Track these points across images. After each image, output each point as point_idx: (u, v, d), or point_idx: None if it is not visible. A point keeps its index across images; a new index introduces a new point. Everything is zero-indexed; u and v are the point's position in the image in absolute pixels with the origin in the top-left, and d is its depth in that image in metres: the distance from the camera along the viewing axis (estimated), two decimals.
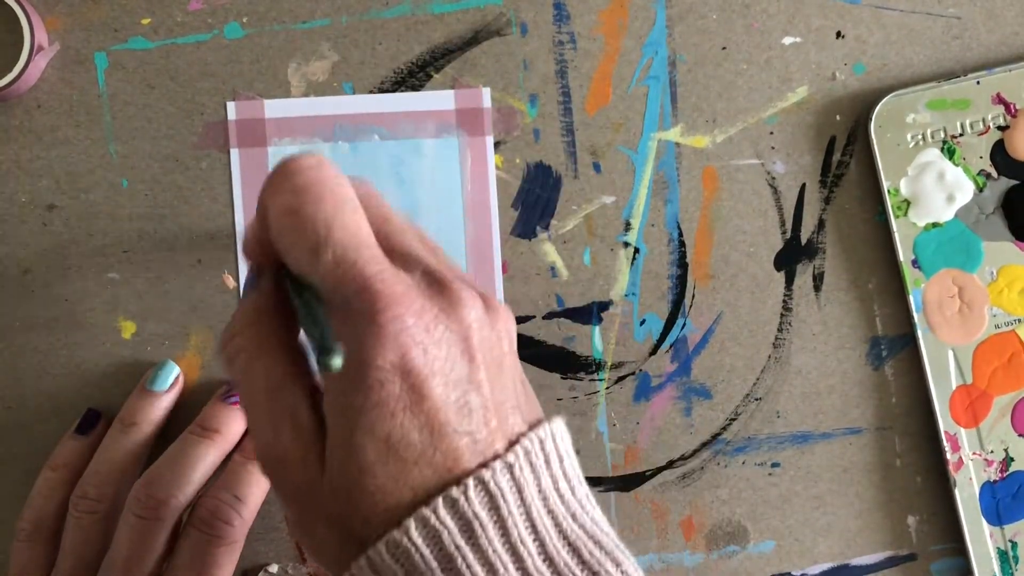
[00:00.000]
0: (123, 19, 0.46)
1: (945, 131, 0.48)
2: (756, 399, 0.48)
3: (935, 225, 0.48)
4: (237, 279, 0.47)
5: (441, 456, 0.31)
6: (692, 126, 0.48)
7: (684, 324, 0.48)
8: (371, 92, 0.47)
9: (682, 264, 0.48)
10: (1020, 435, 0.48)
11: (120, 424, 0.45)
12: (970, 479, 0.48)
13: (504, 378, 0.33)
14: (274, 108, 0.46)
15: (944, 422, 0.48)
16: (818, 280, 0.48)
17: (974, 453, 0.48)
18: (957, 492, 0.48)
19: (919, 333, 0.48)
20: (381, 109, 0.47)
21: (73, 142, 0.46)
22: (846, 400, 0.49)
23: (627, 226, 0.48)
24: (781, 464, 0.49)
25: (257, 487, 0.44)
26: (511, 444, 0.32)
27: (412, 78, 0.47)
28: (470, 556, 0.30)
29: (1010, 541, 0.48)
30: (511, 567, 0.31)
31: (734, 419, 0.48)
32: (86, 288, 0.46)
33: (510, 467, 0.31)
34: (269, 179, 0.32)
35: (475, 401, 0.32)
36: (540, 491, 0.32)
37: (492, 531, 0.31)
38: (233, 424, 0.45)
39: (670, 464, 0.48)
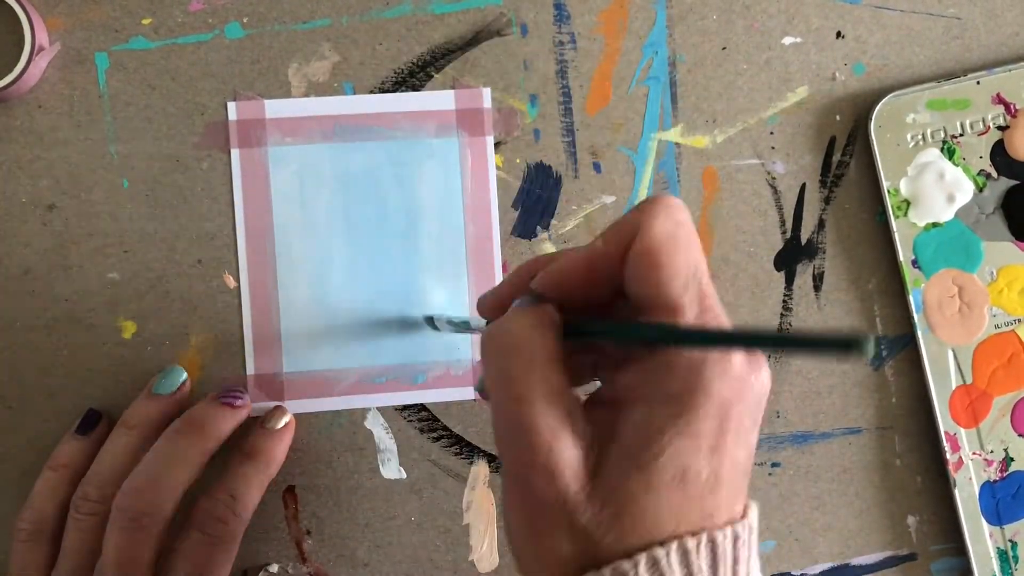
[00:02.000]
0: (124, 19, 0.46)
1: (945, 131, 0.48)
2: None
3: (935, 225, 0.48)
4: (237, 279, 0.47)
5: (711, 503, 0.33)
6: (692, 126, 0.48)
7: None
8: (371, 92, 0.47)
9: None
10: (1020, 435, 0.48)
11: (124, 427, 0.45)
12: (970, 479, 0.48)
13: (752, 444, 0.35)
14: (275, 108, 0.47)
15: (944, 422, 0.48)
16: (818, 280, 0.48)
17: (974, 453, 0.48)
18: (957, 492, 0.48)
19: (919, 333, 0.48)
20: (381, 109, 0.47)
21: (74, 142, 0.46)
22: (846, 400, 0.49)
23: None
24: (781, 464, 0.49)
25: (256, 487, 0.45)
26: (744, 512, 0.35)
27: (412, 78, 0.47)
28: None
29: (1010, 541, 0.48)
30: None
31: None
32: (87, 288, 0.46)
33: (736, 537, 0.34)
34: (647, 204, 0.33)
35: (744, 463, 0.34)
36: (737, 565, 0.34)
37: None
38: (221, 423, 0.45)
39: None
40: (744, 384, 0.33)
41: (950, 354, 0.48)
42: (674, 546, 0.32)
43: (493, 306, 0.37)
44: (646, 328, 0.34)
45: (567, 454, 0.33)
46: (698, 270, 0.33)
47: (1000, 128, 0.48)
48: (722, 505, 0.33)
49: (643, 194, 0.48)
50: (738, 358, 0.33)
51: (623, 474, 0.32)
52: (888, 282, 0.48)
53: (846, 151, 0.48)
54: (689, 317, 0.33)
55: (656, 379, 0.33)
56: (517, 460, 0.33)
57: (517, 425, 0.33)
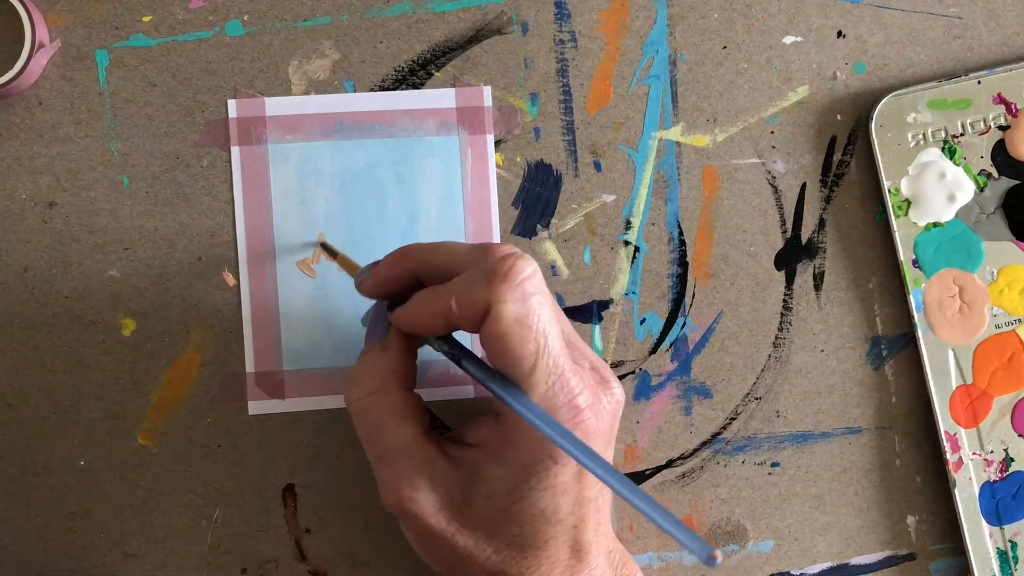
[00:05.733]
0: (124, 16, 0.46)
1: (946, 131, 0.48)
2: (756, 398, 0.48)
3: (936, 225, 0.48)
4: (237, 276, 0.47)
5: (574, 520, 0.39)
6: (693, 125, 0.48)
7: (684, 323, 0.48)
8: (372, 90, 0.47)
9: (682, 263, 0.48)
10: (1020, 435, 0.48)
11: None
12: (970, 479, 0.48)
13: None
14: (275, 106, 0.47)
15: (944, 422, 0.48)
16: (818, 280, 0.48)
17: (974, 453, 0.48)
18: (957, 492, 0.48)
19: (919, 333, 0.48)
20: (382, 107, 0.47)
21: (74, 139, 0.46)
22: (846, 400, 0.49)
23: (627, 225, 0.48)
24: (781, 463, 0.49)
25: None
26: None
27: (413, 76, 0.47)
28: None
29: (1010, 541, 0.48)
30: None
31: (734, 418, 0.48)
32: (86, 285, 0.46)
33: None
34: (498, 280, 0.36)
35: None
36: None
37: None
38: None
39: (670, 463, 0.48)
40: (593, 428, 0.37)
41: (950, 354, 0.48)
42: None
43: (371, 291, 0.41)
44: (495, 390, 0.37)
45: (425, 501, 0.38)
46: (547, 348, 0.36)
47: (1001, 128, 0.48)
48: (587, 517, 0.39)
49: (643, 193, 0.48)
50: (585, 409, 0.37)
51: (490, 512, 0.38)
52: (888, 282, 0.48)
53: (847, 150, 0.48)
54: (539, 392, 0.36)
55: (511, 442, 0.38)
56: (390, 505, 0.39)
57: (380, 480, 0.39)
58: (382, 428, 0.39)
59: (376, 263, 0.41)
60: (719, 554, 0.32)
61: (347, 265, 0.45)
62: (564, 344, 0.37)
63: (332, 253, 0.46)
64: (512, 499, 0.38)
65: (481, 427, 0.41)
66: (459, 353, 0.39)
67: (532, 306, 0.36)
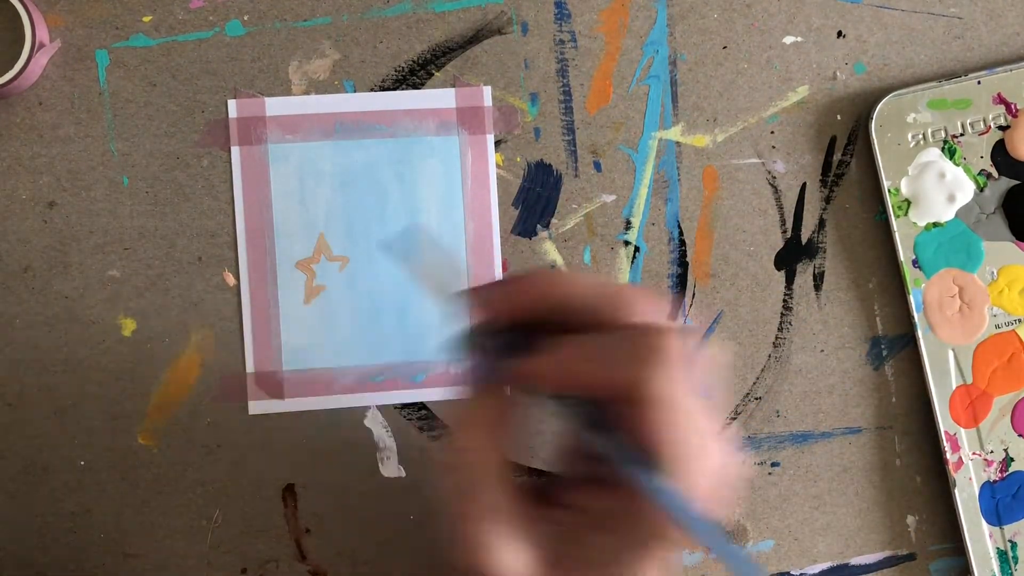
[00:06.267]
0: (124, 16, 0.46)
1: (946, 131, 0.48)
2: (756, 398, 0.48)
3: (936, 225, 0.48)
4: (237, 276, 0.47)
5: None
6: (693, 125, 0.48)
7: (684, 323, 0.48)
8: (372, 90, 0.47)
9: (682, 263, 0.48)
10: (1020, 435, 0.48)
11: None
12: (970, 479, 0.48)
13: None
14: (275, 106, 0.47)
15: (944, 422, 0.48)
16: (818, 280, 0.48)
17: (974, 453, 0.48)
18: (957, 492, 0.48)
19: (919, 333, 0.48)
20: (382, 107, 0.47)
21: (74, 139, 0.46)
22: (846, 400, 0.49)
23: (627, 225, 0.48)
24: (781, 463, 0.49)
25: None
26: None
27: (413, 76, 0.47)
28: None
29: (1010, 541, 0.48)
30: None
31: (734, 418, 0.48)
32: (87, 285, 0.46)
33: None
34: (651, 358, 0.31)
35: None
36: None
37: None
38: None
39: None
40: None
41: (950, 354, 0.48)
42: None
43: (483, 311, 0.34)
44: (638, 475, 0.33)
45: (516, 564, 0.34)
46: (697, 427, 0.32)
47: (1001, 128, 0.48)
48: None
49: (643, 193, 0.48)
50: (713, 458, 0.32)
51: (582, 574, 0.34)
52: (888, 282, 0.48)
53: (847, 150, 0.48)
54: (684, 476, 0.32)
55: (631, 515, 0.33)
56: (467, 568, 0.34)
57: (461, 541, 0.34)
58: (482, 487, 0.34)
59: (482, 286, 0.35)
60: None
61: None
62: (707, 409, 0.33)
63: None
64: (616, 567, 0.34)
65: (582, 491, 0.35)
66: (593, 419, 0.34)
67: (682, 388, 0.32)
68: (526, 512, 0.34)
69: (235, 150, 0.46)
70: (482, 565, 0.34)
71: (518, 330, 0.33)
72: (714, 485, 0.33)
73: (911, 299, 0.48)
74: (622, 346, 0.32)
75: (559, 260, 0.48)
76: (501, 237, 0.47)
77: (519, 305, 0.33)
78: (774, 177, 0.48)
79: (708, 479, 0.33)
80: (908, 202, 0.48)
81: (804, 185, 0.48)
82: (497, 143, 0.47)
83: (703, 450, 0.32)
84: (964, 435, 0.48)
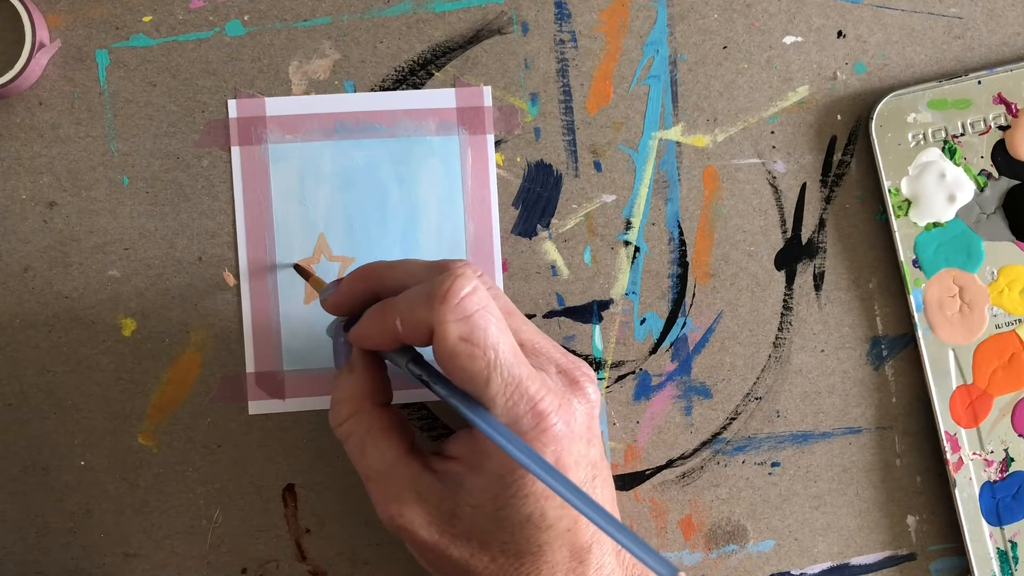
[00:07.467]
0: (124, 16, 0.46)
1: (946, 131, 0.48)
2: (756, 398, 0.48)
3: (936, 225, 0.48)
4: (237, 276, 0.47)
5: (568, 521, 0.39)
6: (693, 125, 0.48)
7: (684, 323, 0.48)
8: (372, 90, 0.47)
9: (682, 263, 0.48)
10: (1020, 435, 0.48)
11: None
12: (970, 479, 0.48)
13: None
14: (275, 106, 0.47)
15: (944, 422, 0.48)
16: (818, 279, 0.48)
17: (974, 453, 0.48)
18: (957, 492, 0.48)
19: (919, 333, 0.48)
20: (382, 107, 0.47)
21: (74, 139, 0.46)
22: (846, 400, 0.49)
23: (628, 225, 0.48)
24: (781, 463, 0.49)
25: None
26: None
27: (413, 76, 0.47)
28: None
29: (1010, 541, 0.48)
30: None
31: (734, 418, 0.48)
32: (87, 285, 0.46)
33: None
34: (438, 300, 0.36)
35: (598, 480, 0.40)
36: None
37: None
38: None
39: (670, 463, 0.48)
40: (562, 432, 0.37)
41: (950, 354, 0.48)
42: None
43: (333, 308, 0.42)
44: (457, 406, 0.37)
45: (414, 516, 0.39)
46: (499, 361, 0.36)
47: (1001, 128, 0.48)
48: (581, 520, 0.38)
49: (644, 193, 0.48)
50: (550, 414, 0.37)
51: (479, 522, 0.39)
52: (889, 282, 0.48)
53: (847, 150, 0.48)
54: (499, 404, 0.37)
55: (484, 453, 0.38)
56: (384, 523, 0.40)
57: (372, 499, 0.40)
58: (364, 450, 0.40)
59: (339, 280, 0.42)
60: (683, 574, 0.32)
61: (318, 285, 0.45)
62: (518, 353, 0.37)
63: (305, 275, 0.46)
64: (496, 507, 0.38)
65: (460, 440, 0.41)
66: (422, 371, 0.39)
67: (476, 322, 0.36)
68: (416, 467, 0.40)
69: (235, 150, 0.46)
70: (392, 519, 0.40)
71: (360, 312, 0.40)
72: (530, 417, 0.37)
73: (911, 299, 0.48)
74: (414, 297, 0.37)
75: (559, 260, 0.48)
76: (501, 237, 0.47)
77: (355, 294, 0.41)
78: (774, 177, 0.48)
79: (523, 409, 0.37)
80: (908, 202, 0.48)
81: (804, 185, 0.48)
82: (497, 143, 0.47)
83: (511, 370, 0.36)
84: (964, 435, 0.48)
